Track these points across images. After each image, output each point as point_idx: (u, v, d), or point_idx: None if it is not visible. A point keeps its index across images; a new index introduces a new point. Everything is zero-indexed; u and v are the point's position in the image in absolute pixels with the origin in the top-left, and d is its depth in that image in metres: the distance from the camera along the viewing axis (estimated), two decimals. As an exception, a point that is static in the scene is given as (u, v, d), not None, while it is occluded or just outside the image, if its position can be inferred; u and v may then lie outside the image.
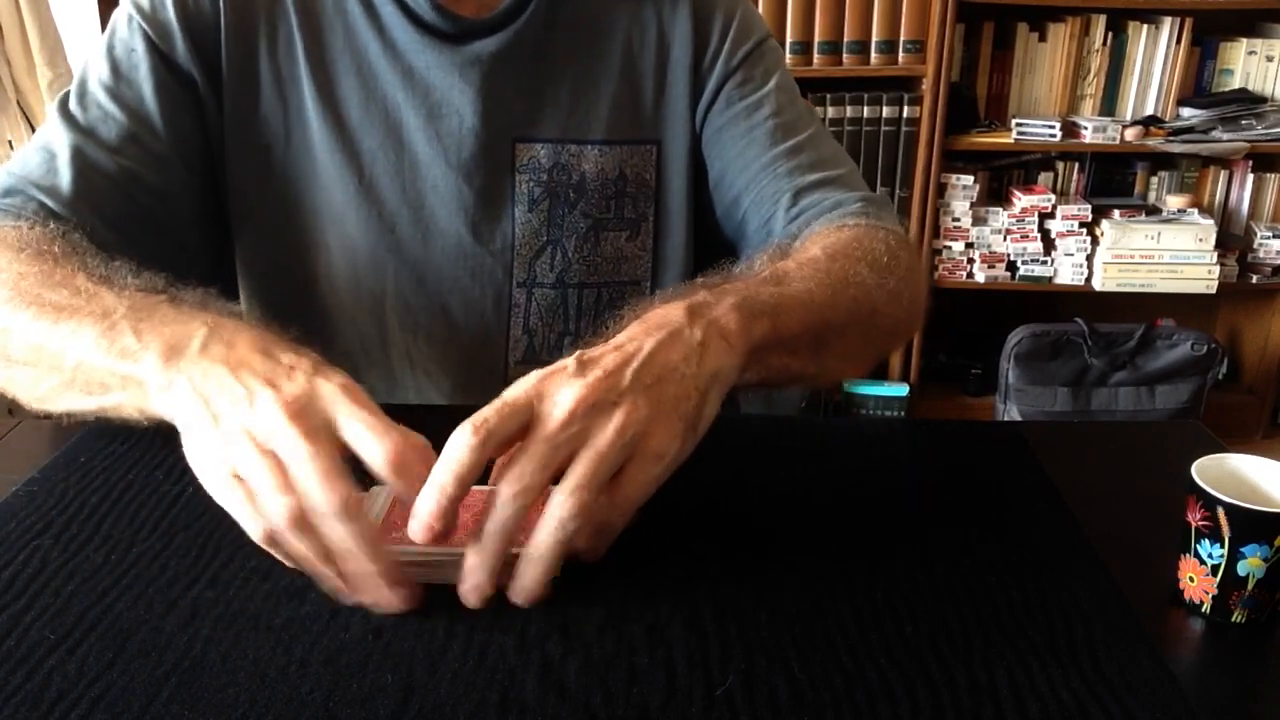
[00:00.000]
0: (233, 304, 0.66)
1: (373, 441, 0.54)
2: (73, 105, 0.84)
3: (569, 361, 0.58)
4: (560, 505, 0.54)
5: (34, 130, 2.19)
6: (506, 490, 0.54)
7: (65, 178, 0.80)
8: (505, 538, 0.55)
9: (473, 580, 0.56)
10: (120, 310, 0.62)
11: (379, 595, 0.55)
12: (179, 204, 0.86)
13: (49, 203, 0.78)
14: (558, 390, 0.56)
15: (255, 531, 0.54)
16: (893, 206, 0.89)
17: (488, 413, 0.55)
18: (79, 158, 0.81)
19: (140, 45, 0.84)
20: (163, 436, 0.77)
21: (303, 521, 0.53)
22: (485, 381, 0.94)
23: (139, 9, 0.85)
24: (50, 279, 0.67)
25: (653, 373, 0.57)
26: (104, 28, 2.42)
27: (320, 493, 0.52)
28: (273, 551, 0.56)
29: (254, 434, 0.54)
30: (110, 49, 0.85)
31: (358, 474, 0.69)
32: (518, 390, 0.56)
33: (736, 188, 0.92)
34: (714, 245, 0.98)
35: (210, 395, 0.56)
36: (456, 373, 0.93)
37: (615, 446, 0.55)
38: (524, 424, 0.55)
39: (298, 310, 0.93)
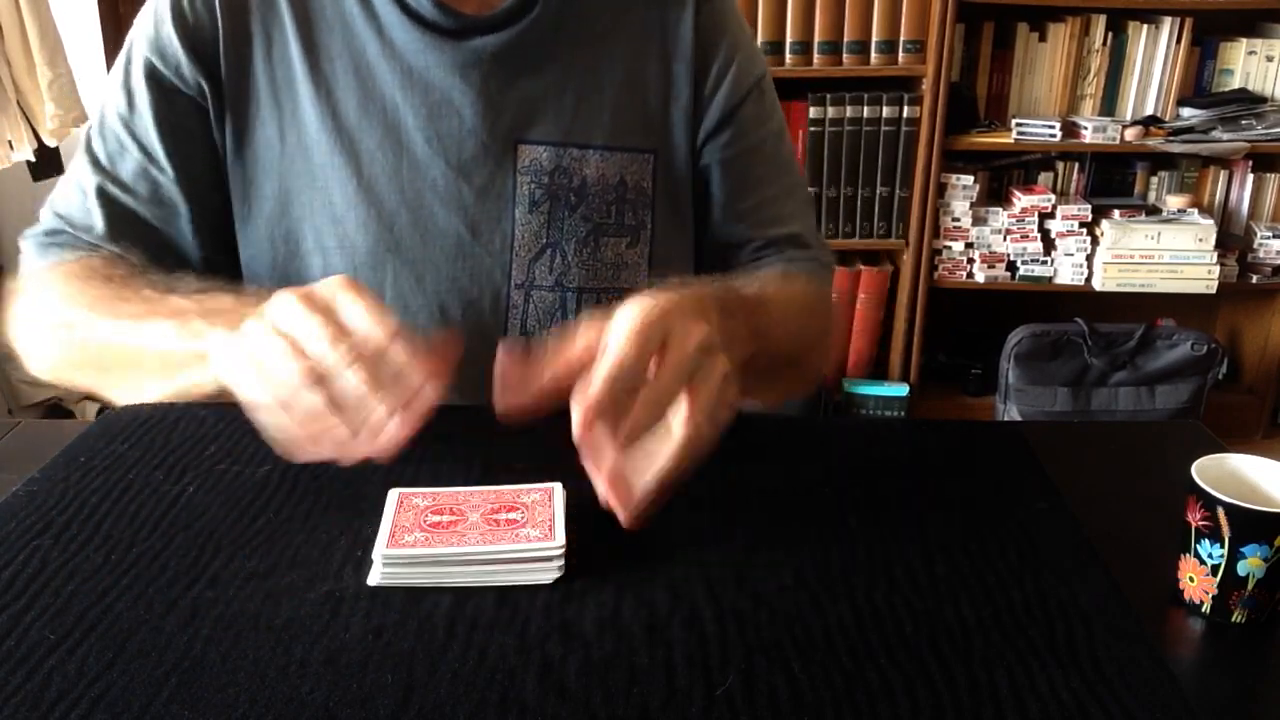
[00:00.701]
0: None
1: (369, 321, 0.61)
2: (94, 142, 0.89)
3: (670, 294, 0.63)
4: (694, 425, 0.60)
5: (34, 130, 2.19)
6: (649, 394, 0.59)
7: (97, 218, 0.87)
8: (635, 420, 0.59)
9: (590, 403, 0.58)
10: (190, 307, 0.73)
11: (388, 432, 0.60)
12: (200, 226, 0.90)
13: (89, 240, 0.87)
14: (684, 319, 0.61)
15: (268, 397, 0.61)
16: (833, 265, 1.01)
17: (639, 326, 0.59)
18: (104, 196, 0.87)
19: (143, 79, 0.87)
20: (163, 436, 0.78)
21: (316, 377, 0.59)
22: (481, 383, 0.94)
23: (146, 38, 0.87)
24: (121, 296, 0.78)
25: (725, 338, 0.64)
26: (104, 27, 2.42)
27: (336, 341, 0.60)
28: (281, 416, 0.61)
29: (272, 320, 0.62)
30: (125, 79, 0.88)
31: (366, 488, 0.70)
32: (652, 311, 0.60)
33: (709, 220, 0.97)
34: (712, 255, 0.99)
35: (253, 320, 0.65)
36: (457, 372, 0.93)
37: (720, 389, 0.62)
38: (660, 342, 0.60)
39: None
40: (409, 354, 0.61)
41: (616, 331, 0.59)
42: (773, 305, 0.81)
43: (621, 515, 0.60)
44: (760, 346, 0.72)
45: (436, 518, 0.63)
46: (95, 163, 0.88)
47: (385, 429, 0.61)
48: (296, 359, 0.60)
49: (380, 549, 0.61)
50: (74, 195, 0.89)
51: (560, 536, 0.61)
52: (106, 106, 0.89)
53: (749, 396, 0.79)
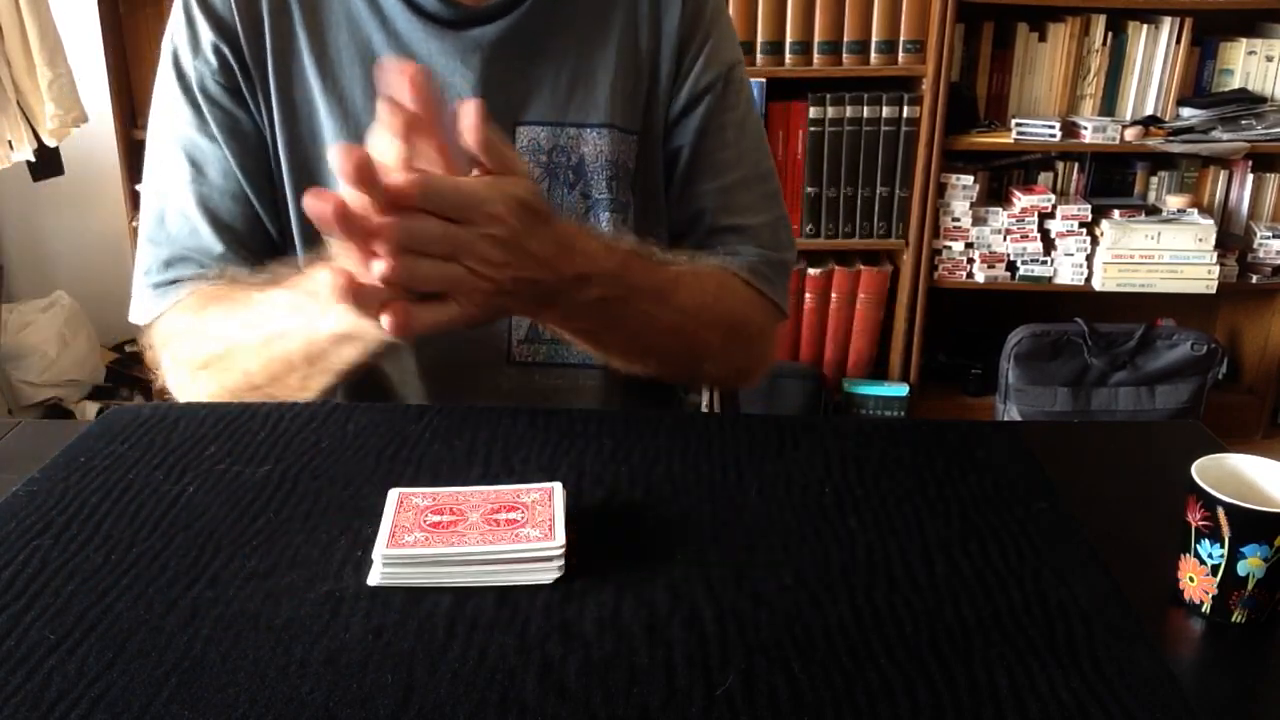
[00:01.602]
0: None
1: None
2: (171, 158, 0.90)
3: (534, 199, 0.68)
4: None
5: (34, 130, 2.19)
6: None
7: (209, 236, 0.89)
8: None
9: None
10: (288, 290, 0.77)
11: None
12: (269, 214, 0.92)
13: (206, 261, 0.89)
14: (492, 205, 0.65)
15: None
16: (789, 270, 0.99)
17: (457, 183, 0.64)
18: (208, 211, 0.89)
19: (201, 83, 0.89)
20: (163, 436, 0.78)
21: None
22: (489, 360, 0.95)
23: (188, 42, 0.89)
24: (239, 314, 0.81)
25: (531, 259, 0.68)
26: (104, 28, 2.42)
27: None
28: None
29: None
30: (180, 82, 0.90)
31: (365, 488, 0.69)
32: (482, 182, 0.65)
33: (668, 197, 0.98)
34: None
35: None
36: (461, 351, 0.94)
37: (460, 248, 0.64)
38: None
39: None
40: None
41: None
42: (680, 280, 0.84)
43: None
44: (633, 300, 0.78)
45: (436, 518, 0.63)
46: (188, 179, 0.89)
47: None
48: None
49: (380, 549, 0.61)
50: (175, 221, 0.90)
51: (560, 536, 0.61)
52: (166, 117, 0.91)
53: (599, 351, 0.84)
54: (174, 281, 0.89)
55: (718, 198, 0.96)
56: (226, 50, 0.89)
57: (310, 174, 0.91)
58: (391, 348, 0.96)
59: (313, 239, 0.92)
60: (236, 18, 0.89)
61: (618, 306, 0.77)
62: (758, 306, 0.94)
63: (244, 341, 0.81)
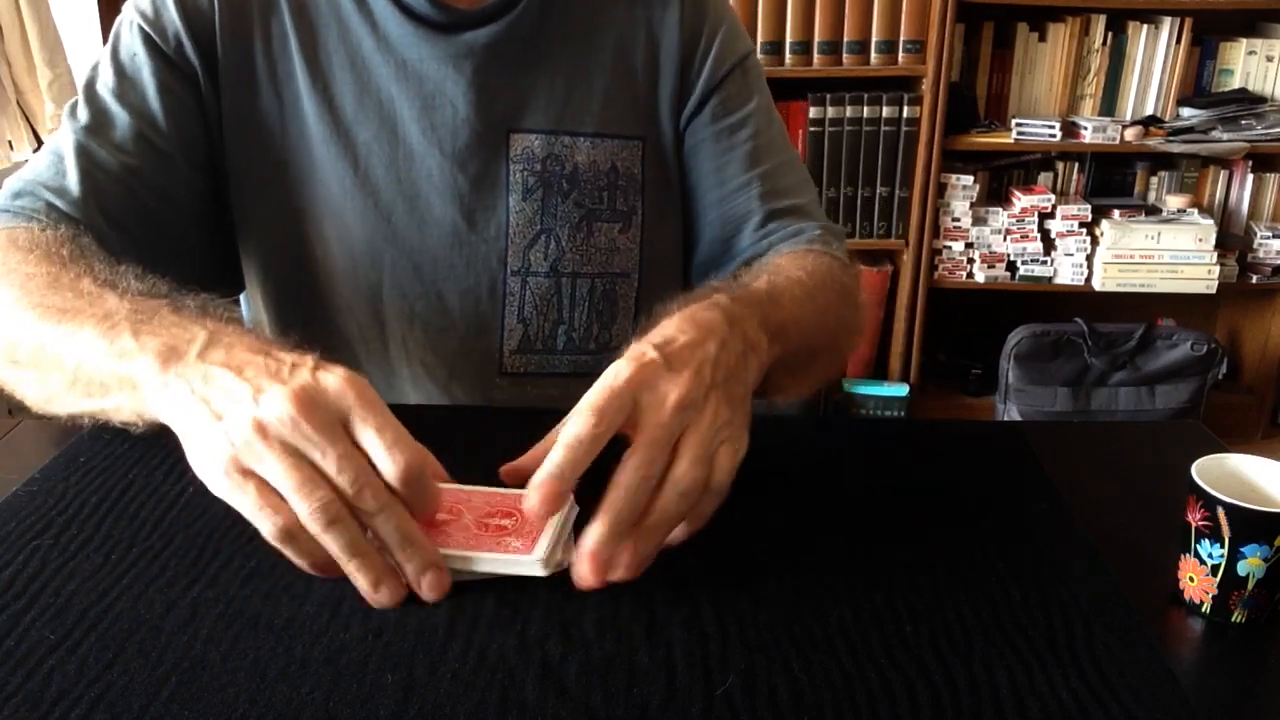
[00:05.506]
0: (234, 311, 0.65)
1: (385, 452, 0.55)
2: (79, 109, 0.86)
3: (651, 353, 0.60)
4: (681, 480, 0.58)
5: (34, 130, 2.19)
6: (635, 475, 0.56)
7: (72, 178, 0.81)
8: (633, 519, 0.57)
9: (601, 559, 0.56)
10: (121, 313, 0.63)
11: (406, 586, 0.57)
12: (181, 202, 0.88)
13: (58, 203, 0.80)
14: (659, 383, 0.59)
15: (270, 529, 0.54)
16: (844, 237, 0.96)
17: (601, 400, 0.57)
18: (84, 158, 0.83)
19: (142, 49, 0.86)
20: (163, 437, 0.78)
21: (336, 515, 0.53)
22: (480, 371, 0.95)
23: (141, 14, 0.87)
24: (57, 282, 0.68)
25: (722, 373, 0.62)
26: (104, 27, 2.43)
27: (364, 486, 0.54)
28: (285, 549, 0.55)
29: (265, 427, 0.54)
30: (115, 54, 0.87)
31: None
32: (618, 380, 0.58)
33: (708, 200, 0.96)
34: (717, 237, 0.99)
35: (211, 396, 0.56)
36: (452, 361, 0.94)
37: (712, 433, 0.59)
38: (629, 412, 0.58)
39: (298, 301, 0.94)
40: (433, 492, 0.57)
41: (576, 409, 0.57)
42: (785, 295, 0.76)
43: (585, 584, 0.57)
44: (783, 344, 0.70)
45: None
46: (79, 127, 0.84)
47: (399, 586, 0.56)
48: (308, 497, 0.53)
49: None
50: (46, 159, 0.83)
51: (541, 550, 0.59)
52: (94, 80, 0.87)
53: (782, 395, 0.78)
54: (12, 213, 0.78)
55: (765, 183, 0.94)
56: (193, 42, 0.86)
57: (300, 177, 0.89)
58: (382, 354, 0.95)
59: (288, 246, 0.90)
60: (217, 10, 0.86)
61: (765, 322, 0.69)
62: (843, 270, 0.88)
63: (30, 329, 0.66)
